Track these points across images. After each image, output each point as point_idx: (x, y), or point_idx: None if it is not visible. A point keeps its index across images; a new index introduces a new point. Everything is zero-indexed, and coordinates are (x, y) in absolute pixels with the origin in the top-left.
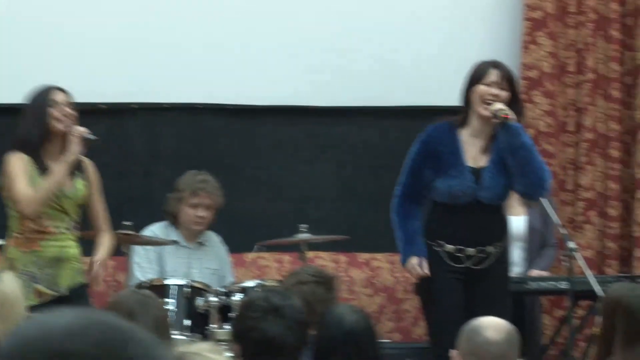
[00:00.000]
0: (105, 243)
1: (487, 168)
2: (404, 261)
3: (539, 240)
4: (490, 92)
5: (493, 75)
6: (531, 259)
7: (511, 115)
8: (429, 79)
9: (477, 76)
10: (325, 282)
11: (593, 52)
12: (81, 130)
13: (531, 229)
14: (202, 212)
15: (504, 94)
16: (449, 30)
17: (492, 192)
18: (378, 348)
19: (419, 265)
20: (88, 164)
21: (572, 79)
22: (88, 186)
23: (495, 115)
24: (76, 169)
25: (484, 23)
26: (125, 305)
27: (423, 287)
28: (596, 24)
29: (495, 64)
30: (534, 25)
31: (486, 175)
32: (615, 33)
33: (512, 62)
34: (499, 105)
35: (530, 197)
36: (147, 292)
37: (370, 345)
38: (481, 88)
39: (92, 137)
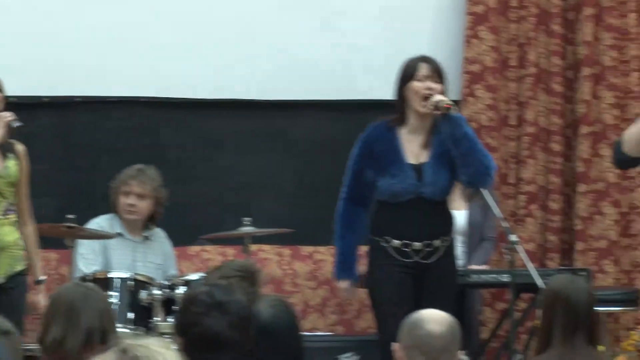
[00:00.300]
0: (35, 251)
1: (429, 163)
2: (337, 277)
3: (479, 235)
4: (426, 86)
5: (424, 69)
6: (471, 253)
7: (452, 105)
8: (373, 73)
9: (408, 73)
10: (250, 276)
11: (535, 47)
12: (6, 115)
13: (471, 223)
14: (132, 200)
15: (438, 86)
16: (393, 26)
17: (435, 187)
18: (299, 341)
19: (349, 292)
20: (21, 149)
21: (514, 73)
22: (19, 169)
23: (436, 106)
24: (7, 150)
25: (427, 18)
26: (68, 298)
27: (371, 280)
28: (538, 19)
29: (424, 59)
30: (476, 20)
31: (428, 171)
32: (556, 27)
33: (454, 57)
34: (439, 97)
35: (476, 186)
36: (91, 285)
37: (289, 338)
38: (415, 84)
39: (17, 123)
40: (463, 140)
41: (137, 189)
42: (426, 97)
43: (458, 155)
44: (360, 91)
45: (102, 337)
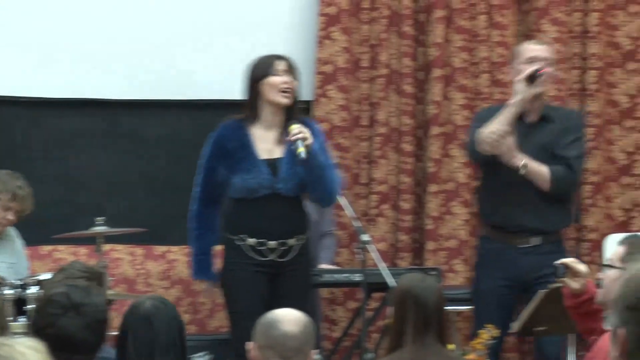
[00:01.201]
0: None
1: (283, 159)
2: (194, 277)
3: (317, 230)
4: (284, 80)
5: (282, 65)
6: (315, 251)
7: (303, 147)
8: (224, 74)
9: (263, 69)
10: (95, 277)
11: (386, 48)
12: None
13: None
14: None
15: (295, 82)
16: (245, 26)
17: (290, 182)
18: (181, 336)
19: (207, 292)
20: None
21: (366, 74)
22: None
23: (294, 143)
24: None
25: (280, 18)
26: None
27: (225, 279)
28: (389, 20)
29: (279, 56)
30: (329, 21)
31: (283, 166)
32: (408, 29)
33: (307, 57)
34: (295, 130)
35: (320, 205)
36: None
37: (170, 332)
38: (274, 79)
39: None
40: (315, 169)
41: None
42: (285, 91)
43: (308, 179)
44: (212, 91)
45: None
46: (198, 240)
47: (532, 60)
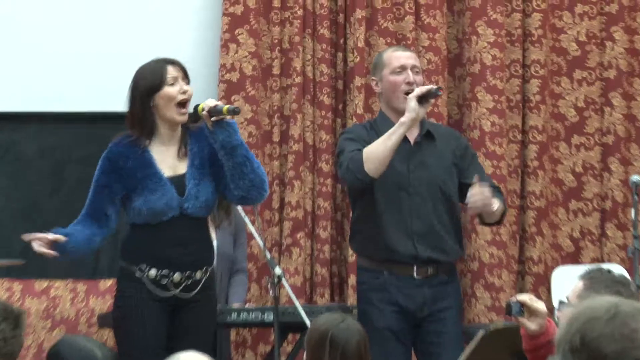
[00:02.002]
0: None
1: (189, 174)
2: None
3: (229, 266)
4: (182, 89)
5: (173, 71)
6: (222, 288)
7: (236, 107)
8: (117, 82)
9: (157, 80)
10: (12, 318)
11: (300, 53)
12: None
13: (221, 254)
14: None
15: (190, 87)
16: (146, 30)
17: (198, 200)
18: None
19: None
20: None
21: (277, 82)
22: None
23: (212, 112)
24: None
25: (185, 20)
26: None
27: (119, 317)
28: (303, 21)
29: (167, 60)
30: (234, 22)
31: (189, 182)
32: (324, 31)
33: (212, 64)
34: (213, 102)
35: (250, 201)
36: None
37: None
38: (169, 90)
39: None
40: (238, 149)
41: None
42: (182, 105)
43: (232, 166)
44: (103, 103)
45: None
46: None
47: (402, 68)
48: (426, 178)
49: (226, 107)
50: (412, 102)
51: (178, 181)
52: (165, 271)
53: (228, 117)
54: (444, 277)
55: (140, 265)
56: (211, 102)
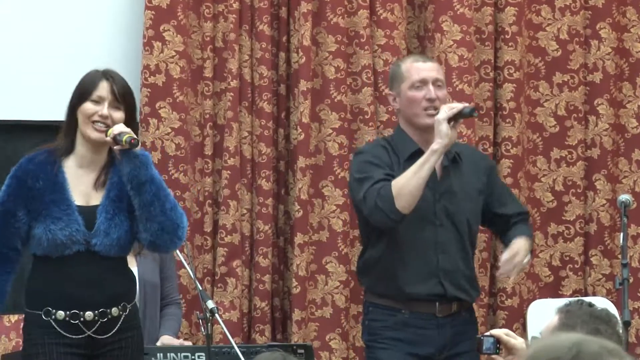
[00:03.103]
0: None
1: (102, 207)
2: None
3: (155, 298)
4: (99, 111)
5: (103, 89)
6: (152, 322)
7: (136, 140)
8: (30, 89)
9: (84, 91)
10: None
11: (236, 53)
12: None
13: (146, 283)
14: None
15: (117, 114)
16: (63, 29)
17: (109, 237)
18: None
19: None
20: None
21: (209, 87)
22: None
23: (116, 140)
24: None
25: (97, 18)
26: None
27: None
28: (240, 16)
29: (107, 74)
30: (158, 17)
31: (100, 216)
32: (264, 28)
33: (135, 65)
34: (120, 128)
35: (162, 248)
36: None
37: None
38: (87, 106)
39: None
40: (147, 185)
41: None
42: (95, 122)
43: (139, 206)
44: (14, 111)
45: None
46: None
47: (423, 82)
48: (453, 209)
49: (126, 136)
50: (443, 126)
51: (88, 213)
52: (74, 311)
53: (135, 147)
54: (466, 315)
55: (45, 309)
56: (117, 129)
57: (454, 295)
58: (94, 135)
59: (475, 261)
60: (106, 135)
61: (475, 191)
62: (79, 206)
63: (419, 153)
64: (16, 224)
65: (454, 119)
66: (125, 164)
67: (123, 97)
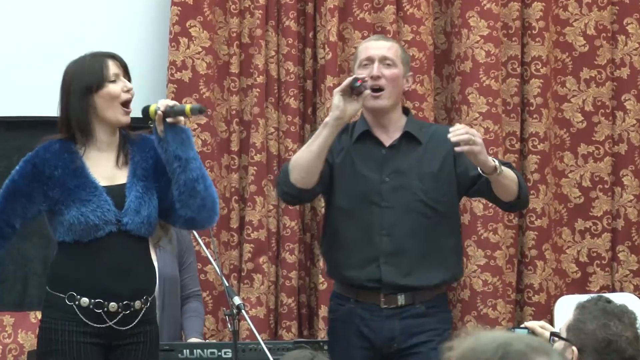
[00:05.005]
0: None
1: (129, 185)
2: None
3: (175, 292)
4: (126, 87)
5: (114, 67)
6: (174, 318)
7: (204, 106)
8: (34, 86)
9: (97, 76)
10: None
11: (263, 49)
12: None
13: (165, 278)
14: None
15: (127, 84)
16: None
17: (140, 215)
18: None
19: None
20: None
21: (235, 83)
22: None
23: (167, 113)
24: None
25: (124, 14)
26: None
27: (43, 352)
28: (266, 11)
29: (109, 55)
30: (185, 12)
31: (130, 194)
32: (291, 23)
33: (159, 61)
34: (166, 101)
35: (200, 224)
36: None
37: None
38: (111, 88)
39: None
40: (193, 161)
41: None
42: (126, 105)
43: (184, 182)
44: (20, 108)
45: None
46: None
47: (369, 60)
48: (402, 188)
49: (189, 106)
50: (335, 98)
51: (116, 192)
52: (99, 300)
53: (189, 119)
54: (420, 308)
55: (69, 293)
56: (163, 103)
57: (393, 281)
58: (124, 119)
59: (501, 257)
60: (146, 114)
61: (435, 169)
62: (105, 186)
63: (367, 134)
64: (27, 204)
65: (356, 93)
66: (171, 141)
67: (127, 68)
